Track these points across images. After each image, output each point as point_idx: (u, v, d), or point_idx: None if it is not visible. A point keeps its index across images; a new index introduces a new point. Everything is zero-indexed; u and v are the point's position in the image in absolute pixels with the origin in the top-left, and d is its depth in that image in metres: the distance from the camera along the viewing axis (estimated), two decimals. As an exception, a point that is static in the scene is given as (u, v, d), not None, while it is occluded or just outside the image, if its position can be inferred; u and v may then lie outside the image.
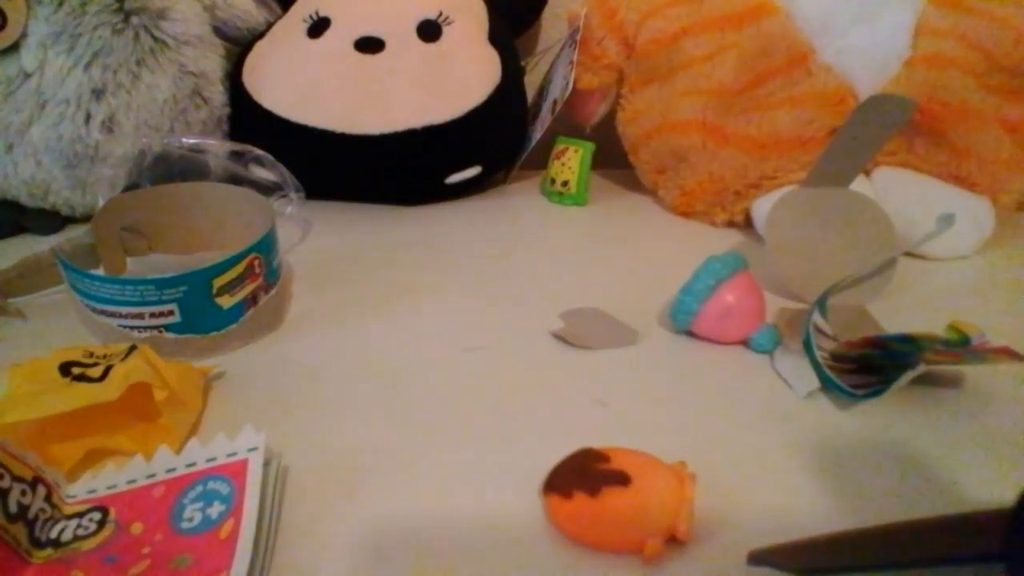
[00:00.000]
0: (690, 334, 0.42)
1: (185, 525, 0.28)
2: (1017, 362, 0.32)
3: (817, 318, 0.39)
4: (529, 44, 0.76)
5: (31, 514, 0.27)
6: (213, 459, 0.30)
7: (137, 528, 0.28)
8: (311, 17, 0.62)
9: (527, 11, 0.70)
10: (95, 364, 0.34)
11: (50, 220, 0.57)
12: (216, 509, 0.28)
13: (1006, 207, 0.55)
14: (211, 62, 0.58)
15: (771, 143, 0.56)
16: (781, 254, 0.47)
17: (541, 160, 0.68)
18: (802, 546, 0.26)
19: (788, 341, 0.41)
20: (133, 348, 0.35)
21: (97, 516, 0.29)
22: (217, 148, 0.54)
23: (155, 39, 0.54)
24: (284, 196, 0.56)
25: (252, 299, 0.41)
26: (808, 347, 0.38)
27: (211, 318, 0.39)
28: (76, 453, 0.32)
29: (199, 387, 0.36)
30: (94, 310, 0.38)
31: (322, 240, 0.56)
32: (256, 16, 0.63)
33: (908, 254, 0.52)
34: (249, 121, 0.60)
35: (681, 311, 0.41)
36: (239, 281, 0.40)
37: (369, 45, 0.60)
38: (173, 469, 0.30)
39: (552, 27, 0.75)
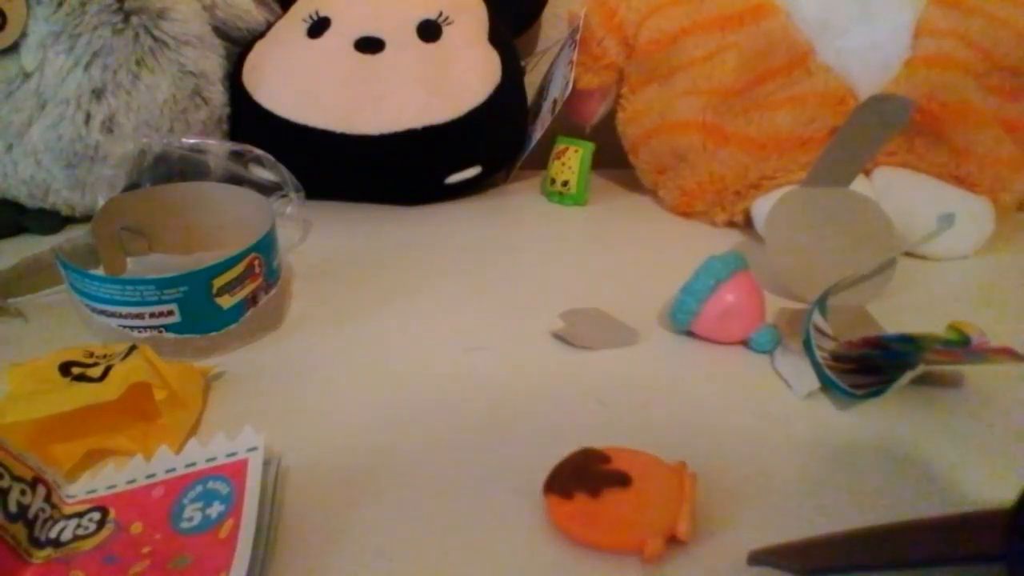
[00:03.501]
0: (690, 334, 0.42)
1: (185, 525, 0.28)
2: (1017, 362, 0.32)
3: (817, 318, 0.39)
4: (529, 44, 0.76)
5: (31, 514, 0.27)
6: (213, 459, 0.30)
7: (137, 528, 0.28)
8: (311, 17, 0.62)
9: (527, 11, 0.70)
10: (95, 364, 0.34)
11: (50, 220, 0.57)
12: (216, 509, 0.28)
13: (1006, 207, 0.55)
14: (211, 62, 0.58)
15: (771, 143, 0.56)
16: (781, 254, 0.47)
17: (541, 160, 0.68)
18: (802, 546, 0.26)
19: (788, 341, 0.41)
20: (133, 348, 0.35)
21: (97, 516, 0.29)
22: (217, 148, 0.54)
23: (155, 39, 0.54)
24: (284, 196, 0.56)
25: (252, 299, 0.41)
26: (808, 347, 0.38)
27: (211, 318, 0.39)
28: (76, 453, 0.32)
29: (199, 387, 0.36)
30: (94, 310, 0.38)
31: (322, 240, 0.56)
32: (256, 16, 0.63)
33: (908, 254, 0.52)
34: (249, 121, 0.60)
35: (681, 311, 0.41)
36: (239, 281, 0.40)
37: (369, 45, 0.60)
38: (173, 469, 0.30)
39: (552, 27, 0.75)
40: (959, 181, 0.54)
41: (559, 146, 0.65)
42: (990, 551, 0.23)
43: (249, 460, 0.30)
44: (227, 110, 0.60)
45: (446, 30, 0.61)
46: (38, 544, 0.27)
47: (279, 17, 0.64)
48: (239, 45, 0.63)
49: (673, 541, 0.27)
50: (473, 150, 0.61)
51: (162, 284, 0.37)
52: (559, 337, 0.42)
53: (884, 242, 0.44)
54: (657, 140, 0.61)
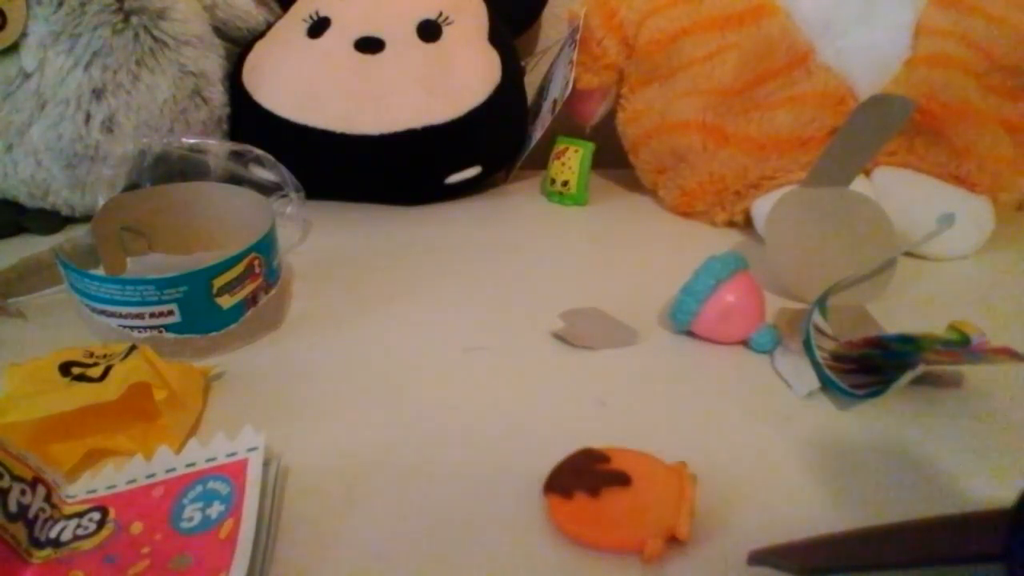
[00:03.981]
0: (690, 334, 0.42)
1: (185, 525, 0.28)
2: (1017, 362, 0.32)
3: (817, 318, 0.39)
4: (529, 44, 0.76)
5: (31, 514, 0.27)
6: (213, 459, 0.30)
7: (137, 528, 0.28)
8: (311, 17, 0.62)
9: (527, 11, 0.70)
10: (95, 364, 0.34)
11: (50, 220, 0.57)
12: (216, 509, 0.28)
13: (1006, 207, 0.55)
14: (211, 62, 0.58)
15: (771, 143, 0.56)
16: (781, 254, 0.47)
17: (541, 160, 0.68)
18: (802, 546, 0.26)
19: (788, 341, 0.41)
20: (133, 348, 0.35)
21: (97, 516, 0.29)
22: (217, 148, 0.54)
23: (155, 39, 0.54)
24: (284, 196, 0.56)
25: (252, 299, 0.41)
26: (808, 347, 0.38)
27: (211, 318, 0.39)
28: (76, 453, 0.32)
29: (199, 387, 0.36)
30: (94, 310, 0.38)
31: (322, 240, 0.56)
32: (256, 16, 0.63)
33: (908, 254, 0.52)
34: (249, 121, 0.60)
35: (681, 311, 0.41)
36: (239, 281, 0.40)
37: (369, 45, 0.60)
38: (173, 469, 0.30)
39: (552, 27, 0.75)
40: (959, 181, 0.54)
41: (559, 146, 0.65)
42: (990, 551, 0.23)
43: (249, 460, 0.30)
44: (227, 110, 0.60)
45: (446, 30, 0.61)
46: (38, 544, 0.27)
47: (279, 17, 0.64)
48: (239, 45, 0.63)
49: (673, 541, 0.27)
50: (473, 150, 0.61)
51: (162, 284, 0.37)
52: (559, 337, 0.42)
53: (884, 242, 0.44)
54: (657, 140, 0.61)
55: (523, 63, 0.66)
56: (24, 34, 0.51)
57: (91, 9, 0.51)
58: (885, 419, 0.35)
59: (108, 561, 0.26)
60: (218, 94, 0.59)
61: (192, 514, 0.28)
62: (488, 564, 0.27)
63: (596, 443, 0.30)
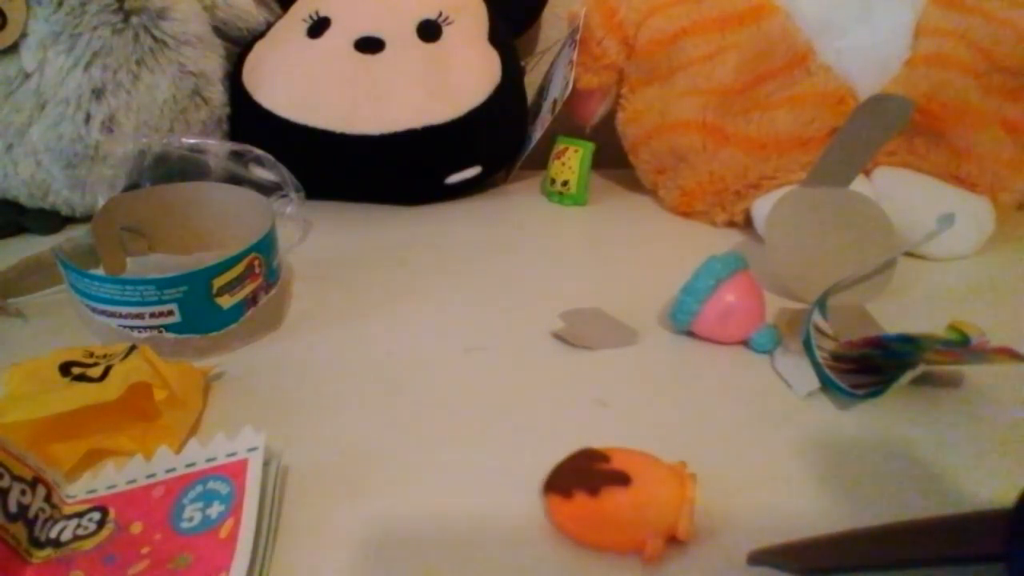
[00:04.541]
0: (690, 334, 0.42)
1: (185, 525, 0.28)
2: (1017, 362, 0.31)
3: (817, 318, 0.39)
4: (529, 44, 0.76)
5: (31, 514, 0.27)
6: (213, 459, 0.30)
7: (137, 528, 0.28)
8: (311, 17, 0.62)
9: (527, 11, 0.70)
10: (95, 364, 0.34)
11: (50, 220, 0.57)
12: (216, 509, 0.28)
13: (1006, 207, 0.55)
14: (211, 62, 0.58)
15: (771, 143, 0.56)
16: (781, 254, 0.47)
17: (541, 160, 0.68)
18: (802, 546, 0.26)
19: (788, 341, 0.41)
20: (133, 348, 0.35)
21: (97, 516, 0.29)
22: (217, 148, 0.54)
23: (155, 39, 0.54)
24: (284, 196, 0.56)
25: (252, 299, 0.41)
26: (808, 347, 0.38)
27: (211, 318, 0.39)
28: (76, 453, 0.32)
29: (199, 387, 0.36)
30: (94, 310, 0.38)
31: (322, 240, 0.56)
32: (256, 16, 0.63)
33: (908, 254, 0.52)
34: (249, 121, 0.60)
35: (681, 311, 0.41)
36: (239, 281, 0.40)
37: (369, 45, 0.60)
38: (173, 469, 0.30)
39: (552, 27, 0.75)
40: (959, 181, 0.54)
41: (559, 146, 0.65)
42: (990, 552, 0.23)
43: (249, 460, 0.30)
44: (227, 110, 0.60)
45: (446, 30, 0.61)
46: (38, 544, 0.27)
47: (279, 17, 0.64)
48: (239, 45, 0.63)
49: (673, 541, 0.27)
50: (473, 150, 0.61)
51: (162, 284, 0.37)
52: (559, 337, 0.42)
53: (884, 242, 0.44)
54: (657, 140, 0.61)
55: (523, 63, 0.66)
56: (24, 34, 0.51)
57: (91, 9, 0.51)
58: (885, 419, 0.35)
59: (108, 561, 0.26)
60: (218, 94, 0.59)
61: (192, 514, 0.28)
62: (488, 564, 0.27)
63: (596, 443, 0.30)
